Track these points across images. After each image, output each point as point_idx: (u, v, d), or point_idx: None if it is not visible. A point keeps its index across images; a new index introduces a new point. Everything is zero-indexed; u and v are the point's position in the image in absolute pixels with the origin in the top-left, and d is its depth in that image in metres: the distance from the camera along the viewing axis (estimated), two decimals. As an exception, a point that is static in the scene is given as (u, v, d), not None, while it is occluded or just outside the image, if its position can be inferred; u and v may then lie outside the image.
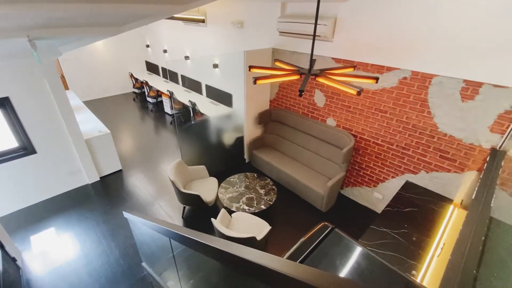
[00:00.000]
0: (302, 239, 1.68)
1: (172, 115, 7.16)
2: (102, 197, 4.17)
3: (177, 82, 7.53)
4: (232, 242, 0.86)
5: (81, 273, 2.97)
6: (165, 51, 7.46)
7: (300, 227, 3.61)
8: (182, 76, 7.20)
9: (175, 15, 5.51)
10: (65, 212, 3.84)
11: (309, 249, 1.51)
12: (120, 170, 4.80)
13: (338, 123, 3.91)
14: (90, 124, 4.68)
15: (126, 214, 2.38)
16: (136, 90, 8.72)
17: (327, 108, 3.97)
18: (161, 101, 7.99)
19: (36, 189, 3.95)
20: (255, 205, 3.52)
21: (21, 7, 2.05)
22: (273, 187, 3.87)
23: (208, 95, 6.39)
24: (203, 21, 5.24)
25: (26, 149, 3.67)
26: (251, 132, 4.85)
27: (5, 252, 2.84)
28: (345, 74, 2.35)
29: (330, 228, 1.62)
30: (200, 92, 6.67)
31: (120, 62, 8.47)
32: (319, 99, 4.02)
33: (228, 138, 4.87)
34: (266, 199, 3.63)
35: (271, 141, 4.83)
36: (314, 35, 2.31)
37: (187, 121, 6.90)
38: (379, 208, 3.83)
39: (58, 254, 3.21)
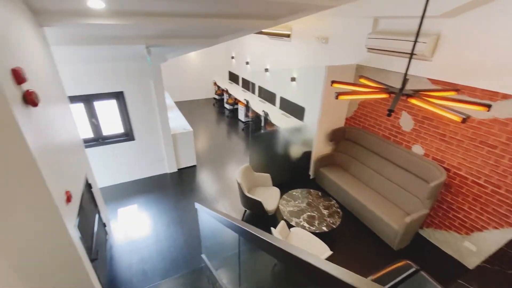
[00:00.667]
0: (375, 275, 1.49)
1: (244, 123, 7.56)
2: (177, 187, 4.65)
3: (253, 92, 7.95)
4: (316, 255, 0.81)
5: (151, 250, 3.34)
6: (247, 63, 8.01)
7: (365, 262, 3.24)
8: (259, 87, 7.56)
9: (263, 30, 5.88)
10: (146, 194, 4.42)
11: (385, 288, 1.32)
12: (194, 166, 5.28)
13: (427, 152, 3.42)
14: (177, 121, 5.34)
15: (197, 205, 2.57)
16: (217, 97, 9.56)
17: (414, 133, 3.53)
18: (237, 109, 8.54)
19: (129, 170, 4.68)
20: (316, 224, 3.34)
21: (144, 20, 2.50)
22: (338, 210, 3.61)
23: (281, 107, 6.52)
24: (288, 35, 5.42)
25: (128, 135, 4.40)
26: (320, 148, 4.70)
27: (99, 217, 3.43)
28: (446, 97, 2.05)
29: (414, 269, 1.39)
30: (273, 103, 6.87)
31: (206, 70, 9.49)
32: (406, 122, 3.62)
33: (295, 151, 4.82)
34: (329, 221, 3.40)
35: (341, 161, 4.56)
36: (412, 53, 2.10)
37: (257, 129, 7.17)
38: (469, 261, 3.13)
39: (135, 229, 3.69)
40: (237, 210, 4.08)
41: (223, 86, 8.83)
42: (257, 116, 6.86)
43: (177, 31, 3.14)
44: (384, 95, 2.26)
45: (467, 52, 2.79)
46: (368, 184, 4.06)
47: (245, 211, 4.01)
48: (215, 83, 9.00)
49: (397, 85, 2.19)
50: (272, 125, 6.05)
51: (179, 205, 4.17)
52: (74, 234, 1.92)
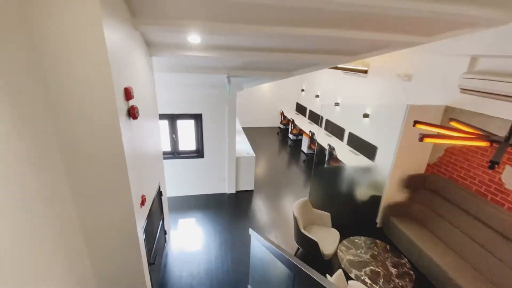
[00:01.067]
0: None
1: (307, 154, 7.40)
2: (233, 208, 4.73)
3: (320, 125, 7.81)
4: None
5: (201, 266, 3.38)
6: (317, 96, 8.03)
7: None
8: (327, 120, 7.39)
9: (338, 65, 5.86)
10: (204, 210, 4.62)
11: None
12: (252, 190, 5.33)
13: (545, 221, 2.64)
14: (241, 145, 5.59)
15: (252, 232, 2.52)
16: (281, 126, 9.76)
17: (524, 194, 2.80)
18: (300, 140, 8.49)
19: (194, 185, 5.03)
20: (380, 283, 2.86)
21: (229, 53, 2.77)
22: (411, 272, 3.03)
23: (349, 143, 6.17)
24: (366, 71, 5.24)
25: (198, 153, 4.80)
26: (392, 194, 4.16)
27: (163, 224, 3.71)
28: None
29: None
30: (341, 138, 6.56)
31: (274, 100, 9.88)
32: (510, 178, 2.92)
33: (362, 193, 4.38)
34: (398, 282, 2.87)
35: (417, 213, 3.91)
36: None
37: (320, 163, 6.90)
38: None
39: (191, 241, 3.84)
40: (288, 245, 3.86)
41: (289, 116, 8.98)
42: (321, 150, 6.65)
43: (256, 63, 3.40)
44: (483, 143, 1.90)
45: None
46: (453, 247, 3.33)
47: (298, 248, 3.74)
48: (281, 113, 9.25)
49: (500, 133, 1.81)
50: (338, 160, 5.73)
51: (233, 227, 4.19)
52: (141, 235, 2.10)
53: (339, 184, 4.50)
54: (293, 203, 3.60)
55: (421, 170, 4.10)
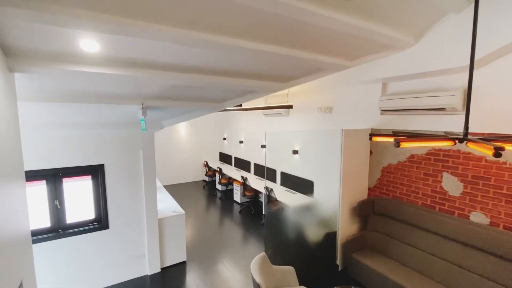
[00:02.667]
0: None
1: (241, 204, 6.62)
2: (159, 297, 3.28)
3: (248, 171, 7.37)
4: None
5: None
6: (241, 142, 7.75)
7: None
8: (255, 165, 7.04)
9: (260, 107, 5.80)
10: (113, 312, 3.01)
11: None
12: (184, 262, 4.00)
13: (494, 220, 2.69)
14: (165, 203, 4.37)
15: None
16: (207, 178, 8.84)
17: (468, 197, 2.88)
18: (231, 189, 7.73)
19: (94, 273, 3.35)
20: None
21: (144, 73, 2.06)
22: (403, 316, 2.48)
23: (283, 183, 5.85)
24: (291, 107, 5.27)
25: (100, 223, 3.34)
26: (346, 227, 3.81)
27: None
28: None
29: None
30: (274, 180, 6.21)
31: (196, 152, 9.07)
32: (452, 185, 3.02)
33: (315, 234, 3.86)
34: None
35: (376, 242, 3.62)
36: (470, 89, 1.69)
37: (257, 211, 6.23)
38: None
39: None
40: (250, 330, 2.75)
41: (214, 167, 8.26)
42: (256, 195, 6.04)
43: (179, 90, 2.72)
44: (448, 143, 1.76)
45: (504, 100, 2.53)
46: (416, 267, 3.08)
47: (264, 330, 2.69)
48: (205, 164, 8.44)
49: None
50: (277, 203, 5.20)
51: (163, 328, 2.77)
52: None
53: (287, 229, 3.87)
54: (250, 264, 2.68)
55: (364, 195, 4.00)
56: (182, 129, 8.73)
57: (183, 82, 2.35)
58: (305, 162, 5.27)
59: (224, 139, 8.89)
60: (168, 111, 3.29)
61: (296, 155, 5.50)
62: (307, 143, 5.06)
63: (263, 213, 6.01)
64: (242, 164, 7.73)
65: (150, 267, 3.68)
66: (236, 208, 6.43)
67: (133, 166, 3.43)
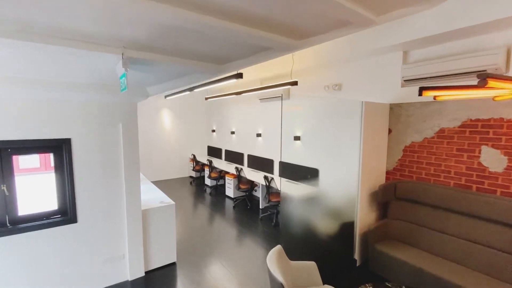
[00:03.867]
0: None
1: (235, 199, 5.97)
2: (143, 308, 2.58)
3: (242, 164, 6.76)
4: None
5: None
6: (232, 132, 7.13)
7: None
8: (249, 157, 6.45)
9: (256, 93, 5.22)
10: (82, 331, 2.27)
11: None
12: (173, 264, 3.31)
13: (551, 196, 2.29)
14: (150, 193, 3.66)
15: None
16: (194, 174, 8.10)
17: (515, 172, 2.48)
18: (222, 185, 7.06)
19: (58, 280, 2.58)
20: None
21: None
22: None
23: (281, 174, 5.30)
24: (295, 83, 4.70)
25: (66, 215, 2.60)
26: (364, 217, 3.31)
27: None
28: None
29: None
30: (271, 172, 5.65)
31: (182, 146, 8.31)
32: (493, 160, 2.61)
33: (330, 226, 3.34)
34: None
35: (397, 231, 3.15)
36: None
37: (253, 205, 5.63)
38: None
39: None
40: None
41: (203, 160, 7.57)
42: (253, 188, 5.44)
43: (172, 38, 2.08)
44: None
45: None
46: (450, 256, 2.64)
47: None
48: (192, 159, 7.70)
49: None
50: (278, 195, 4.64)
51: None
52: None
53: (302, 221, 3.32)
54: (267, 259, 2.08)
55: (381, 180, 3.54)
56: (166, 121, 7.95)
57: (179, 22, 1.72)
58: (310, 149, 4.76)
59: (213, 131, 8.22)
60: (156, 73, 2.62)
61: (298, 142, 4.99)
62: (311, 129, 4.57)
63: (260, 207, 5.42)
64: (234, 157, 7.10)
65: (131, 271, 2.96)
66: (229, 203, 5.78)
67: (110, 143, 2.72)
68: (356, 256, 3.30)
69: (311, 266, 2.40)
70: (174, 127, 8.13)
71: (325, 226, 3.34)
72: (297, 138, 4.96)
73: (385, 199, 3.28)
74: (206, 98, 7.16)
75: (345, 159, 3.45)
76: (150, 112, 7.62)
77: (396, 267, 2.80)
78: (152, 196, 3.53)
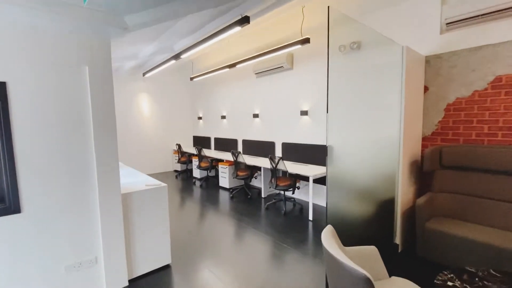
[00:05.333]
0: None
1: (231, 189, 5.19)
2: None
3: (235, 149, 5.99)
4: None
5: None
6: (223, 117, 6.34)
7: None
8: (244, 142, 5.70)
9: (259, 54, 4.52)
10: None
11: None
12: (168, 267, 2.49)
13: None
14: (132, 177, 2.79)
15: None
16: (180, 167, 7.19)
17: None
18: (214, 176, 6.24)
19: (-12, 307, 1.68)
20: None
21: None
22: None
23: (285, 157, 4.64)
24: (307, 40, 3.99)
25: (2, 201, 1.70)
26: (406, 192, 2.72)
27: None
28: None
29: None
30: (271, 154, 4.95)
31: (163, 137, 7.36)
32: None
33: (367, 205, 2.70)
34: None
35: (447, 206, 2.59)
36: None
37: (254, 195, 4.91)
38: None
39: None
40: None
41: (191, 151, 6.70)
42: (253, 174, 4.70)
43: None
44: None
45: None
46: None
47: None
48: (177, 150, 6.77)
49: None
50: (287, 178, 3.95)
51: None
52: None
53: (341, 200, 2.65)
54: (325, 245, 1.37)
55: (417, 147, 2.98)
56: (145, 107, 6.96)
57: None
58: (321, 123, 4.14)
59: (200, 118, 7.35)
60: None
61: (305, 117, 4.35)
62: (330, 92, 3.94)
63: (263, 195, 4.69)
64: (226, 145, 6.31)
65: (109, 280, 2.10)
66: (225, 195, 4.98)
67: (71, 94, 1.87)
68: (398, 240, 2.68)
69: (371, 252, 1.73)
70: (154, 115, 7.16)
71: (364, 204, 2.69)
72: (304, 113, 4.32)
73: (430, 168, 2.70)
74: (192, 78, 6.32)
75: (378, 125, 2.83)
76: (125, 98, 6.60)
77: (458, 248, 2.22)
78: (135, 180, 2.67)
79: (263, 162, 4.58)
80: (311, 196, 3.59)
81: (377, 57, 3.41)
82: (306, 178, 3.87)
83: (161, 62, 4.91)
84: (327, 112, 1.96)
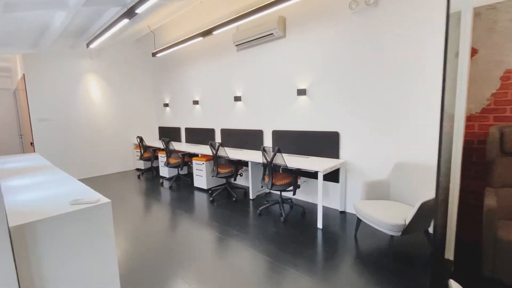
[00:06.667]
0: None
1: (210, 190, 4.19)
2: None
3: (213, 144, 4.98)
4: None
5: None
6: (195, 102, 5.25)
7: None
8: (224, 132, 4.72)
9: (240, 15, 3.55)
10: None
11: None
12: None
13: None
14: (56, 188, 1.68)
15: None
16: (142, 165, 5.96)
17: None
18: (188, 174, 5.16)
19: None
20: None
21: None
22: None
23: (289, 150, 3.78)
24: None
25: None
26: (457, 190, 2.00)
27: None
28: None
29: None
30: (256, 148, 4.04)
31: (120, 130, 6.03)
32: None
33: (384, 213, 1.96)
34: None
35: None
36: None
37: (240, 196, 4.00)
38: None
39: None
40: None
41: (155, 145, 5.54)
42: (234, 172, 3.76)
43: None
44: None
45: None
46: None
47: None
48: (139, 144, 5.52)
49: None
50: (286, 175, 3.10)
51: None
52: None
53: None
54: None
55: (460, 129, 2.29)
56: (94, 92, 5.57)
57: None
58: (324, 104, 3.34)
59: (166, 105, 6.14)
60: None
61: (304, 97, 3.52)
62: (341, 62, 3.14)
63: (251, 197, 3.79)
64: (200, 136, 5.26)
65: None
66: (202, 198, 3.98)
67: None
68: (450, 255, 1.98)
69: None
70: (107, 101, 5.79)
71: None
72: (301, 92, 3.48)
73: (490, 156, 2.02)
74: (154, 54, 5.11)
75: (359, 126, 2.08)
76: (66, 80, 5.16)
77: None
78: (59, 192, 1.59)
79: (250, 155, 3.66)
80: (320, 198, 2.78)
81: (400, 15, 2.65)
82: (311, 175, 3.06)
83: (109, 24, 3.66)
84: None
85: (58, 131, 5.10)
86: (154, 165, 5.79)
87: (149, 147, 5.58)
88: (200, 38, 4.06)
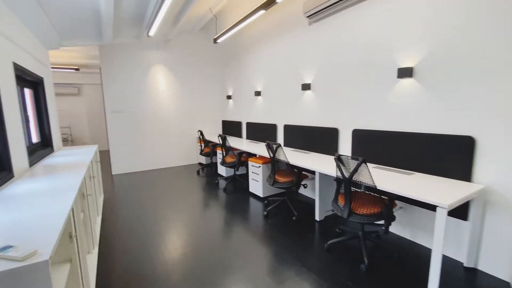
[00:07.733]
0: None
1: (266, 201, 3.46)
2: None
3: (274, 139, 4.20)
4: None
5: None
6: (258, 93, 4.55)
7: None
8: (287, 128, 3.85)
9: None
10: None
11: None
12: None
13: None
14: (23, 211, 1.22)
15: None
16: (204, 160, 5.72)
17: None
18: (244, 175, 4.58)
19: None
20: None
21: None
22: None
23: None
24: None
25: None
26: None
27: None
28: None
29: None
30: (328, 152, 3.01)
31: (186, 123, 5.89)
32: None
33: None
34: None
35: None
36: None
37: (302, 211, 3.09)
38: None
39: None
40: None
41: (216, 140, 5.15)
42: (297, 181, 2.87)
43: None
44: None
45: None
46: None
47: None
48: (200, 139, 5.23)
49: None
50: (378, 198, 2.04)
51: None
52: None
53: None
54: None
55: None
56: (162, 84, 5.53)
57: None
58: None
59: (229, 97, 5.68)
60: None
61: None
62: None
63: (317, 218, 2.84)
64: (261, 133, 4.55)
65: None
66: (256, 209, 3.26)
67: None
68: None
69: None
70: (174, 93, 5.70)
71: None
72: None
73: None
74: (215, 40, 4.60)
75: None
76: (137, 72, 5.23)
77: None
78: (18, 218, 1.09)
79: (318, 162, 2.71)
80: (440, 245, 1.64)
81: None
82: (413, 201, 1.92)
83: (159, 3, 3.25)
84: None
85: (127, 123, 5.25)
86: (214, 161, 5.43)
87: (209, 142, 5.22)
88: (262, 12, 3.27)
